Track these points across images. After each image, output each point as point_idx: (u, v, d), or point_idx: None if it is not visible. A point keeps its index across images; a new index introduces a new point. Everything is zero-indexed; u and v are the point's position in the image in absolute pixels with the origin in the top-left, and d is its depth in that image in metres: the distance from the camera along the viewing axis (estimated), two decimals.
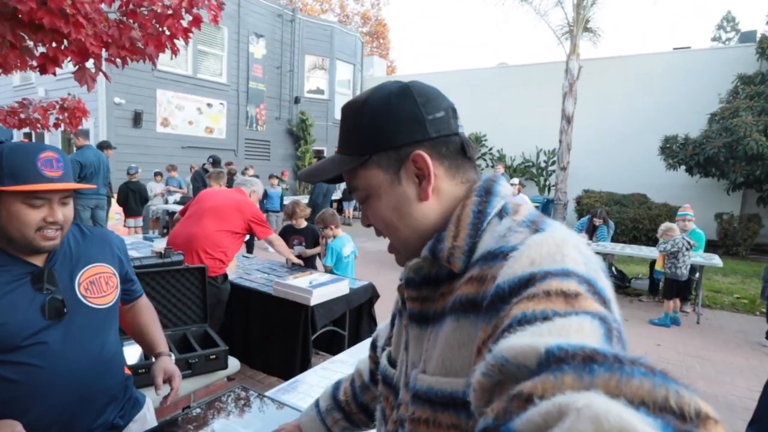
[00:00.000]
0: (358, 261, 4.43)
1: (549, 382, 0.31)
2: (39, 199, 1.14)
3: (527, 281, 0.48)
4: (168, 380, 1.44)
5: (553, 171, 13.06)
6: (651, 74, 12.42)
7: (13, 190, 1.10)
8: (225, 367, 2.43)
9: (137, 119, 10.28)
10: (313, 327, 3.01)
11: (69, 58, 2.65)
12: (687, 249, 5.27)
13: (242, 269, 3.87)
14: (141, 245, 4.44)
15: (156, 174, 9.36)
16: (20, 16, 2.37)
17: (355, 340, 3.36)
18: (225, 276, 3.31)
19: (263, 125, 13.44)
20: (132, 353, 2.21)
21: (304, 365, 2.94)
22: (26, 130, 3.86)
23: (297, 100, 14.30)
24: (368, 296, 3.49)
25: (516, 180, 8.89)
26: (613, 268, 6.90)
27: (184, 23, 2.87)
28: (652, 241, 9.40)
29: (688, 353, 4.52)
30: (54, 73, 2.72)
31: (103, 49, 2.72)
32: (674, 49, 13.24)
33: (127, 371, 1.48)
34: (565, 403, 0.28)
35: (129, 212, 7.98)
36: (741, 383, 3.87)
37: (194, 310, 2.69)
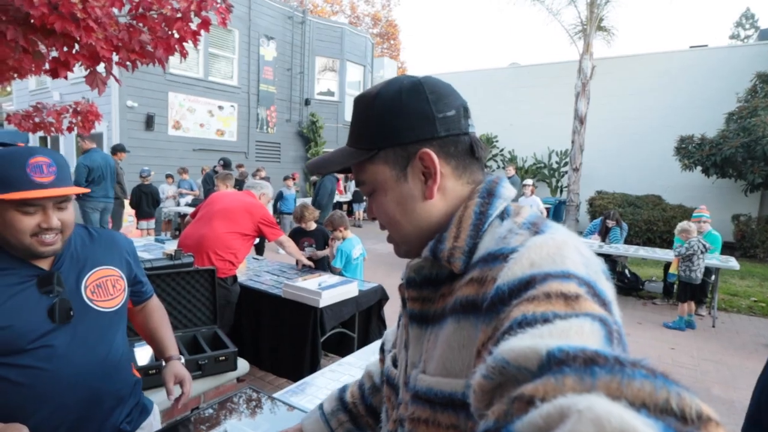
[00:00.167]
0: (368, 263, 4.42)
1: (550, 384, 0.31)
2: (32, 206, 1.11)
3: (527, 283, 0.48)
4: (179, 384, 1.44)
5: (566, 172, 12.94)
6: (666, 73, 12.24)
7: (2, 198, 1.07)
8: (234, 368, 2.43)
9: (149, 122, 10.39)
10: (323, 329, 3.01)
11: (80, 62, 2.68)
12: (702, 252, 5.19)
13: (252, 271, 3.89)
14: (153, 247, 4.48)
15: (167, 176, 9.45)
16: (32, 21, 2.40)
17: (364, 342, 3.35)
18: (235, 278, 3.32)
19: (274, 127, 13.50)
20: (143, 354, 2.23)
21: (313, 367, 2.94)
22: (41, 133, 3.91)
23: (307, 102, 14.34)
24: (377, 298, 3.47)
25: (529, 181, 8.81)
26: (627, 271, 6.79)
27: (193, 26, 2.89)
28: (667, 243, 9.28)
29: (703, 357, 4.43)
30: (65, 77, 2.75)
31: (114, 53, 2.74)
32: (691, 47, 13.03)
33: (137, 374, 1.48)
34: (567, 405, 0.28)
35: (141, 214, 8.08)
36: None
37: (204, 312, 2.70)
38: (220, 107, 12.00)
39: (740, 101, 10.53)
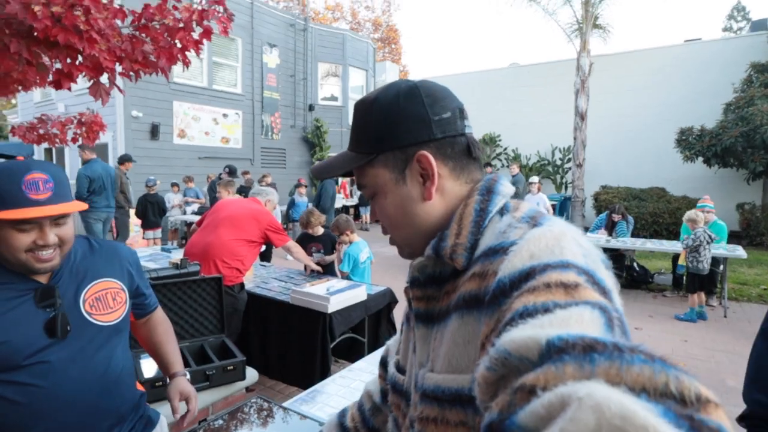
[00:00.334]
0: (376, 266, 4.41)
1: (551, 373, 0.32)
2: (27, 224, 1.08)
3: (527, 274, 0.48)
4: (185, 401, 1.41)
5: (569, 168, 12.93)
6: (663, 68, 12.34)
7: None
8: (243, 378, 2.41)
9: (154, 131, 10.44)
10: (332, 334, 2.99)
11: (84, 73, 2.69)
12: (708, 242, 5.18)
13: (259, 278, 3.87)
14: (159, 257, 4.49)
15: (173, 185, 9.47)
16: (36, 33, 2.41)
17: (374, 346, 3.32)
18: (242, 285, 3.31)
19: (278, 133, 13.54)
20: (150, 366, 2.21)
21: (324, 374, 2.91)
22: (46, 145, 3.92)
23: (311, 108, 14.38)
24: (386, 301, 3.45)
25: (536, 178, 8.77)
26: (635, 264, 6.77)
27: (195, 35, 2.89)
28: (674, 235, 9.28)
29: (716, 348, 4.38)
30: (69, 88, 2.76)
31: (117, 63, 2.74)
32: (685, 41, 13.13)
33: (141, 388, 1.45)
34: (567, 393, 0.28)
35: (148, 224, 8.09)
36: None
37: (211, 321, 2.68)
38: (225, 115, 12.05)
39: (737, 92, 10.60)
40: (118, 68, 2.81)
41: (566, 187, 13.33)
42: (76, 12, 2.37)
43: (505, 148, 14.71)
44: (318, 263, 4.02)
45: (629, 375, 0.29)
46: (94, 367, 1.20)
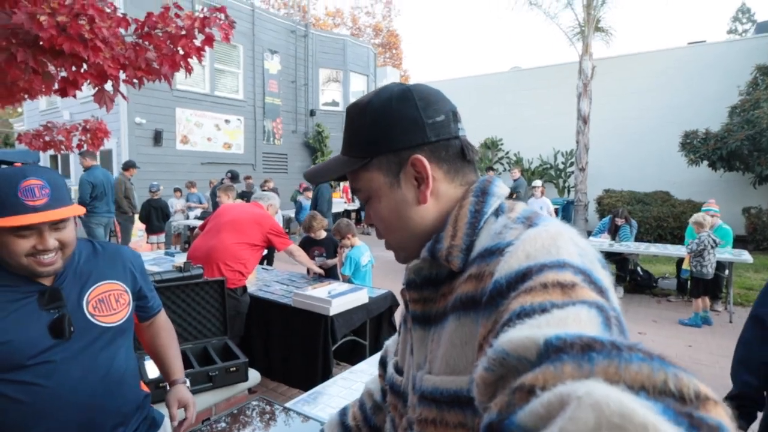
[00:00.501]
0: (377, 270, 4.42)
1: (549, 372, 0.32)
2: (26, 230, 1.09)
3: (524, 275, 0.48)
4: (183, 408, 1.43)
5: (572, 172, 12.88)
6: (666, 70, 12.24)
7: None
8: (245, 379, 2.43)
9: (158, 138, 10.51)
10: (334, 337, 3.01)
11: (88, 81, 2.74)
12: (712, 247, 5.12)
13: (262, 281, 3.90)
14: (163, 260, 4.53)
15: (176, 190, 9.53)
16: (41, 43, 2.46)
17: (375, 349, 3.34)
18: (244, 288, 3.34)
19: (280, 139, 13.60)
20: (154, 367, 2.22)
21: (325, 376, 2.93)
22: (51, 152, 3.98)
23: (312, 113, 14.44)
24: (388, 304, 3.47)
25: (539, 182, 8.76)
26: (639, 269, 6.72)
27: (197, 42, 2.94)
28: (678, 239, 9.18)
29: (721, 354, 4.35)
30: (74, 96, 2.81)
31: (121, 71, 2.79)
32: (689, 43, 13.03)
33: (145, 388, 1.46)
34: (566, 393, 0.28)
35: (151, 229, 8.16)
36: None
37: (214, 323, 2.71)
38: (227, 121, 12.12)
39: (742, 94, 10.49)
40: (122, 76, 2.86)
41: (569, 191, 13.27)
42: (81, 21, 2.43)
43: (507, 152, 14.68)
44: (320, 266, 4.05)
45: (628, 373, 0.29)
46: (97, 367, 1.21)
